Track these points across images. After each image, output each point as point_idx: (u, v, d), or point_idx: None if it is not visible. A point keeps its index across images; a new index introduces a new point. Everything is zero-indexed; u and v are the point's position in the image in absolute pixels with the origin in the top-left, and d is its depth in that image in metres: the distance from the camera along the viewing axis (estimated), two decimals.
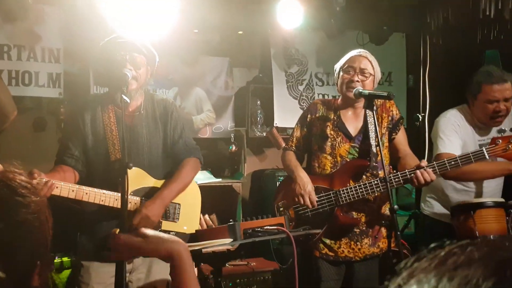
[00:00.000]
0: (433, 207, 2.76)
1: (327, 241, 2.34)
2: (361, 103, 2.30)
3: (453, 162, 2.11)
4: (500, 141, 2.06)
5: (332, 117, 2.36)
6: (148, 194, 2.17)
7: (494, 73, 2.49)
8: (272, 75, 4.29)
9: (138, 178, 2.16)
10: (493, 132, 2.62)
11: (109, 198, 2.05)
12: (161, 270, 2.18)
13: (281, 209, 2.40)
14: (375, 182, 2.17)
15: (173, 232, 2.20)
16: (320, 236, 2.31)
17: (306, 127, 2.43)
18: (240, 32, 4.07)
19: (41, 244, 0.85)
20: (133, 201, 2.13)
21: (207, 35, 3.89)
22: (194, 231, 2.13)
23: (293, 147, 2.47)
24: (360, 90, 2.23)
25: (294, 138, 2.46)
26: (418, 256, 0.50)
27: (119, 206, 1.95)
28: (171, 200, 2.20)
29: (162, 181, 2.25)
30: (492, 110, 2.47)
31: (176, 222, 2.26)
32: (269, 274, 3.23)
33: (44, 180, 1.88)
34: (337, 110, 2.37)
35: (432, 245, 0.52)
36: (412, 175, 2.09)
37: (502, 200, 2.49)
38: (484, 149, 2.08)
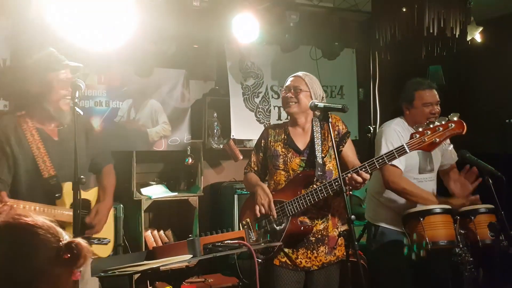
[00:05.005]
0: (383, 215, 2.87)
1: (286, 250, 2.42)
2: (302, 118, 2.50)
3: (380, 160, 2.27)
4: (418, 135, 2.23)
5: (282, 136, 2.53)
6: (83, 205, 2.30)
7: (423, 81, 2.89)
8: (229, 87, 4.30)
9: (70, 191, 2.26)
10: None
11: (60, 214, 2.17)
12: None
13: (245, 227, 2.48)
14: (319, 188, 2.30)
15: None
16: (280, 247, 2.37)
17: (261, 151, 2.60)
18: (195, 46, 4.06)
19: None
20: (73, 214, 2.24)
21: (163, 46, 3.84)
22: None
23: (253, 170, 2.62)
24: (316, 103, 2.35)
25: (252, 163, 2.63)
26: None
27: (67, 220, 2.16)
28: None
29: (90, 191, 2.40)
30: (428, 112, 2.78)
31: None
32: None
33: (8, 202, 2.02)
34: (286, 130, 2.55)
35: None
36: (349, 175, 2.23)
37: (449, 207, 2.62)
38: (404, 144, 2.25)
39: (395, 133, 2.77)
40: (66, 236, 0.98)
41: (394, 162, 2.69)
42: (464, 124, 2.21)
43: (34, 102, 2.27)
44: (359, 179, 2.19)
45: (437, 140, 2.19)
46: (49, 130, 2.32)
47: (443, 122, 2.21)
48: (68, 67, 2.28)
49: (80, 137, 2.39)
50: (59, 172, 2.25)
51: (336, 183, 2.23)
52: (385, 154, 2.27)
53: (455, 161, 2.95)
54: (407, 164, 2.78)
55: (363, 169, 2.23)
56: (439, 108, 2.81)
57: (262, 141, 2.59)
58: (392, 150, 2.26)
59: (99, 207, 2.39)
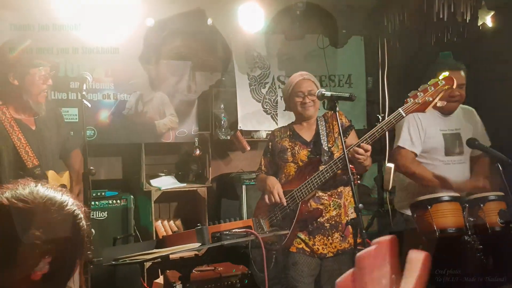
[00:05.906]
0: (408, 202, 2.85)
1: (302, 236, 2.46)
2: (314, 116, 2.57)
3: (379, 129, 2.28)
4: (412, 99, 2.24)
5: (288, 133, 2.61)
6: None
7: (449, 62, 2.78)
8: (235, 78, 4.29)
9: (54, 179, 2.38)
10: (454, 118, 2.81)
11: None
12: None
13: (257, 219, 2.50)
14: (325, 169, 2.35)
15: None
16: (294, 234, 2.41)
17: (269, 153, 2.66)
18: (210, 23, 3.94)
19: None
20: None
21: (169, 38, 3.84)
22: None
23: (263, 172, 2.66)
24: (323, 92, 2.33)
25: (262, 166, 2.69)
26: None
27: None
28: None
29: (64, 176, 2.47)
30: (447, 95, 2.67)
31: None
32: (237, 279, 3.21)
33: None
34: (292, 127, 2.63)
35: None
36: (351, 150, 2.27)
37: (457, 194, 2.60)
38: (400, 110, 2.26)
39: (414, 119, 2.75)
40: (70, 203, 1.02)
41: (406, 146, 2.72)
42: (454, 78, 2.24)
43: (13, 93, 2.32)
44: (360, 150, 2.26)
45: (430, 99, 2.22)
46: (26, 120, 2.37)
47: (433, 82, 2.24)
48: (49, 62, 2.35)
49: (53, 126, 2.48)
50: (40, 161, 2.31)
51: (340, 161, 2.27)
52: (383, 123, 2.28)
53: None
54: (429, 147, 2.75)
55: (364, 142, 2.28)
56: (463, 91, 2.70)
57: (270, 143, 2.66)
58: (390, 118, 2.27)
59: (81, 188, 2.45)
